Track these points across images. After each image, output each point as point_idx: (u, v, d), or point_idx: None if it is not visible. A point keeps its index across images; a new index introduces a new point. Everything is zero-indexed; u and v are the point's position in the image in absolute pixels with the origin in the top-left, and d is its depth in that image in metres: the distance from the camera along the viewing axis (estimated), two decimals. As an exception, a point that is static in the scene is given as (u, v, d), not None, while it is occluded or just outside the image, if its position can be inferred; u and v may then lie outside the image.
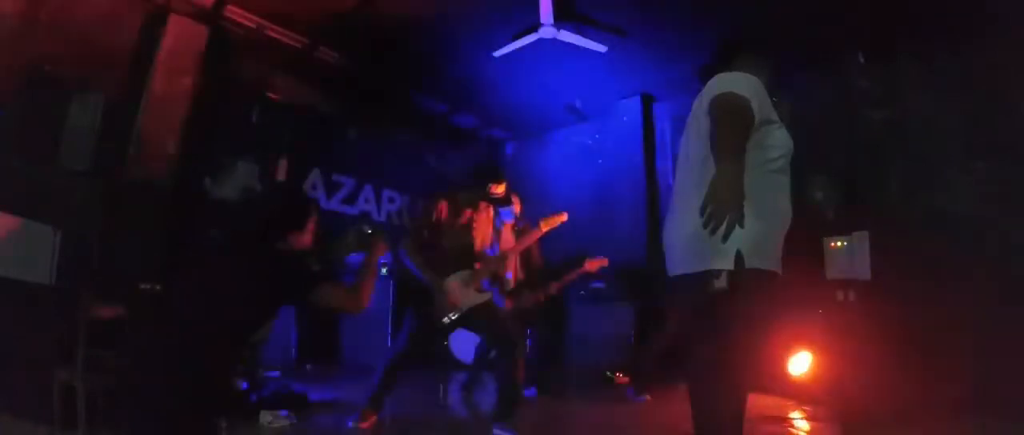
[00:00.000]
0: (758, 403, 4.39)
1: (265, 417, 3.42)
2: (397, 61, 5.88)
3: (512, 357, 3.43)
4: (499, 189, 3.80)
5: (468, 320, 3.54)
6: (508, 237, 4.55)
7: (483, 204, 3.76)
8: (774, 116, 2.05)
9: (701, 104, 2.07)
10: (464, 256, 3.57)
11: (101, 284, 3.61)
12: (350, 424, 3.40)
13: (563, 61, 5.84)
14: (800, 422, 3.86)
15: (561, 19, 4.86)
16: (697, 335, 2.07)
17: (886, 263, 4.37)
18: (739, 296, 1.92)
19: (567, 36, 5.00)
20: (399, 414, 3.94)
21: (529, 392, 4.65)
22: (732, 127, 1.87)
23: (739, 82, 1.99)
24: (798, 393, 4.49)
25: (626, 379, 5.09)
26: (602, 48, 5.24)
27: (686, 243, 2.02)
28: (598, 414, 4.32)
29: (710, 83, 2.05)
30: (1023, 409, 3.42)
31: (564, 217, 3.98)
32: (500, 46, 5.26)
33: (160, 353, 1.92)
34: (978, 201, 4.25)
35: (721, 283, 1.90)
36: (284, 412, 3.49)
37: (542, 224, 3.94)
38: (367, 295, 2.31)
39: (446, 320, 3.47)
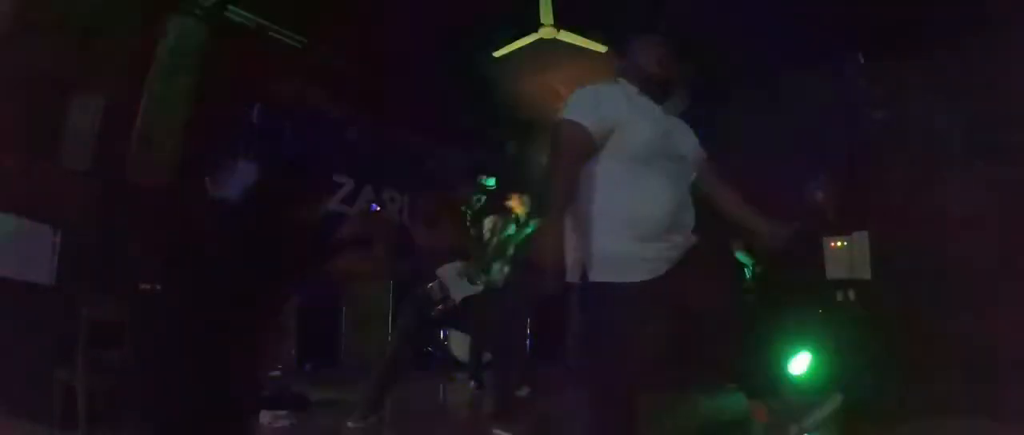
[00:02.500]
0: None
1: (265, 417, 3.42)
2: (397, 61, 5.87)
3: (509, 357, 3.43)
4: (515, 204, 3.80)
5: (460, 314, 3.56)
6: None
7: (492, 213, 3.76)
8: (627, 114, 1.98)
9: None
10: (462, 252, 3.60)
11: (101, 284, 3.61)
12: (350, 424, 3.39)
13: (563, 61, 5.84)
14: (800, 422, 3.86)
15: (561, 19, 4.86)
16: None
17: (886, 263, 4.37)
18: (584, 308, 1.93)
19: (567, 36, 5.00)
20: (399, 414, 3.94)
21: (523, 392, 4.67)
22: (559, 167, 1.94)
23: (578, 104, 2.02)
24: (798, 393, 4.48)
25: None
26: (602, 48, 5.24)
27: None
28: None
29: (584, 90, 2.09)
30: (1023, 409, 3.41)
31: None
32: (500, 46, 5.26)
33: (174, 349, 1.87)
34: (978, 201, 4.24)
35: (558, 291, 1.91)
36: (284, 412, 3.49)
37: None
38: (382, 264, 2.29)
39: (437, 309, 3.48)
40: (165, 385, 1.83)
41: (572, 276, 1.89)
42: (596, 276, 1.86)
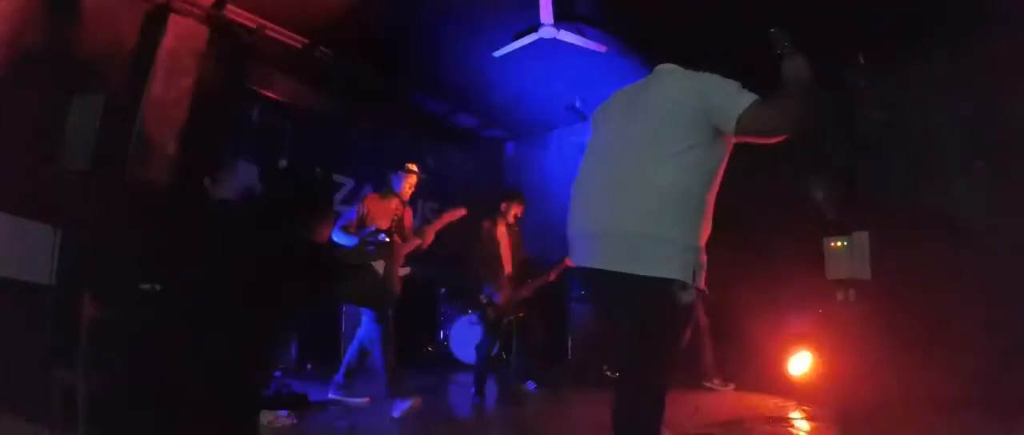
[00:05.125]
0: (758, 403, 4.39)
1: (265, 417, 3.42)
2: (397, 61, 5.87)
3: (388, 333, 3.76)
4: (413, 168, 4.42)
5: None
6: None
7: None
8: None
9: (701, 87, 2.00)
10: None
11: (101, 284, 3.61)
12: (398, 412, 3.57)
13: (563, 61, 5.83)
14: (800, 422, 3.86)
15: (561, 19, 4.86)
16: (640, 344, 1.99)
17: (886, 263, 4.37)
18: (683, 311, 1.91)
19: (567, 36, 5.00)
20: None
21: (529, 385, 4.73)
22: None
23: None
24: (798, 393, 4.49)
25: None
26: (602, 48, 5.24)
27: (631, 240, 1.93)
28: (597, 411, 4.31)
29: (729, 83, 2.00)
30: (1022, 408, 3.42)
31: (463, 212, 4.39)
32: (500, 46, 5.26)
33: (179, 352, 1.84)
34: (978, 201, 4.25)
35: (688, 296, 1.87)
36: (284, 412, 3.49)
37: (445, 215, 4.35)
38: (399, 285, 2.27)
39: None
40: (168, 384, 1.81)
41: (685, 275, 1.87)
42: (698, 282, 1.91)
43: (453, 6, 4.94)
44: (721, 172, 2.02)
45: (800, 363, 4.74)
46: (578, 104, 6.99)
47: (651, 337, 1.95)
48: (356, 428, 3.38)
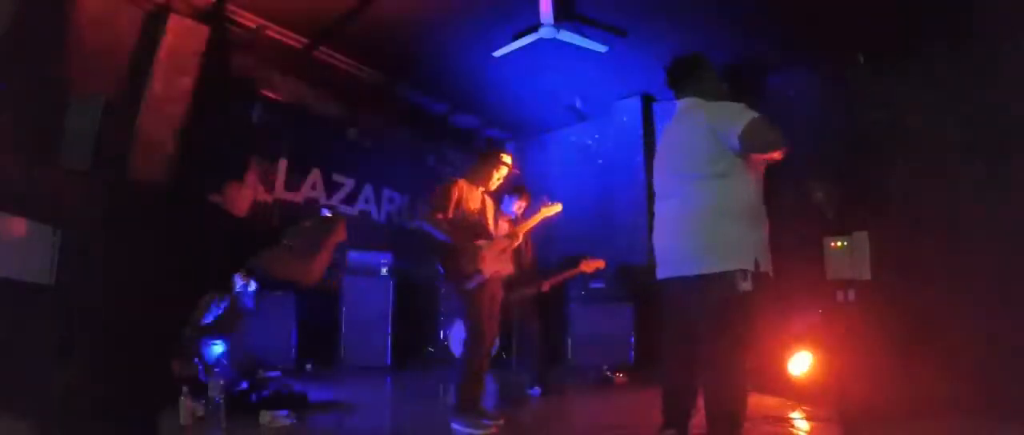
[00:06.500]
0: (758, 403, 4.39)
1: (265, 417, 3.41)
2: (397, 61, 5.88)
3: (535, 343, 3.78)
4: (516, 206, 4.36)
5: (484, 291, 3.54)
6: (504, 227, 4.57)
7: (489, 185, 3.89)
8: None
9: (712, 119, 2.36)
10: (478, 233, 3.62)
11: (101, 284, 3.61)
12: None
13: (563, 61, 5.83)
14: (800, 422, 3.86)
15: (561, 19, 4.86)
16: (717, 331, 2.30)
17: (886, 263, 4.37)
18: (756, 295, 2.23)
19: (567, 36, 5.00)
20: (406, 414, 3.94)
21: (534, 391, 4.70)
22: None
23: None
24: (798, 393, 4.49)
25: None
26: (602, 48, 5.24)
27: (697, 247, 2.33)
28: (597, 412, 4.32)
29: (733, 107, 2.37)
30: (1023, 408, 3.42)
31: (559, 207, 4.27)
32: (500, 46, 5.26)
33: (77, 348, 1.77)
34: (978, 201, 4.24)
35: (747, 284, 2.22)
36: (284, 412, 3.49)
37: (543, 208, 4.26)
38: (320, 269, 2.24)
39: (472, 283, 3.45)
40: (76, 377, 1.77)
41: (746, 263, 2.26)
42: (764, 267, 2.30)
43: (453, 6, 4.94)
44: (762, 171, 2.43)
45: (800, 363, 4.73)
46: (578, 104, 6.99)
47: (723, 325, 2.28)
48: (356, 429, 3.38)
